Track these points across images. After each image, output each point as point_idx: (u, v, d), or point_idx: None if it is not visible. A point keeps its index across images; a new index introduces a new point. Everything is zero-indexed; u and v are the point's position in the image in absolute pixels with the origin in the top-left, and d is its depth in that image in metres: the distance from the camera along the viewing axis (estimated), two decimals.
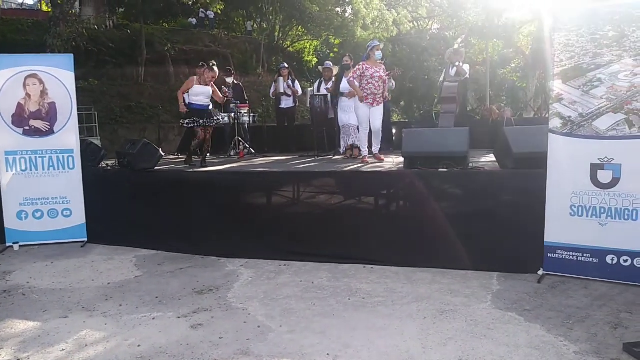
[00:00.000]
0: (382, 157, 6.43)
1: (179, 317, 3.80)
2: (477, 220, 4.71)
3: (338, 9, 25.93)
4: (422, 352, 3.08)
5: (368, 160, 6.32)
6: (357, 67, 6.35)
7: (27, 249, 6.00)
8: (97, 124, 17.18)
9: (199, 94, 6.62)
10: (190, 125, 6.71)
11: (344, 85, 6.73)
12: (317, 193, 5.41)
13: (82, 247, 6.06)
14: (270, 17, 27.23)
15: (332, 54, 26.23)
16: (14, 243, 6.02)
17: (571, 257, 4.30)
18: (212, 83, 6.81)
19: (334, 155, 7.51)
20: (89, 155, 6.39)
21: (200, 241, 5.61)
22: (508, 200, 4.70)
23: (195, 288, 4.47)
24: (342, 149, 7.38)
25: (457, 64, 6.88)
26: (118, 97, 19.76)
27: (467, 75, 7.06)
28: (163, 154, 6.48)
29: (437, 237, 4.80)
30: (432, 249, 4.79)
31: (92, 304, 4.16)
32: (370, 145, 6.54)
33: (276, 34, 29.05)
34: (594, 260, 4.19)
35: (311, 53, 32.30)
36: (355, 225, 5.11)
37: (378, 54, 6.26)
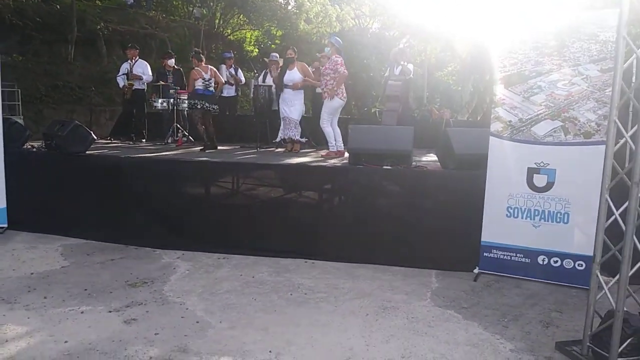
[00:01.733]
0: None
1: (110, 312, 3.59)
2: (418, 218, 4.79)
3: (281, 0, 25.72)
4: (365, 350, 3.08)
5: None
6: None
7: None
8: (20, 102, 16.02)
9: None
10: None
11: (287, 77, 6.63)
12: (258, 185, 5.30)
13: (1, 233, 5.60)
14: (211, 3, 26.53)
15: (273, 45, 25.93)
16: None
17: (505, 257, 4.46)
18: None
19: (276, 148, 7.40)
20: (13, 135, 5.89)
21: (134, 231, 5.34)
22: (449, 200, 4.79)
23: (128, 280, 4.25)
24: (278, 140, 7.30)
25: (402, 63, 6.96)
26: (44, 75, 18.52)
27: (411, 75, 7.17)
28: (95, 137, 6.09)
29: (378, 233, 4.84)
30: (373, 245, 4.82)
31: (12, 295, 3.84)
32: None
33: (217, 21, 28.37)
34: (527, 260, 4.37)
35: (252, 43, 31.84)
36: (297, 220, 5.05)
37: (326, 49, 6.26)
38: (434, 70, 23.67)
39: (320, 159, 6.15)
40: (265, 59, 7.93)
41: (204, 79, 7.05)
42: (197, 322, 3.45)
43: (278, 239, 5.02)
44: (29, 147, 6.23)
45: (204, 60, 7.35)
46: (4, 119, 5.81)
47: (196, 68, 7.24)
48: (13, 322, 3.36)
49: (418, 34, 17.80)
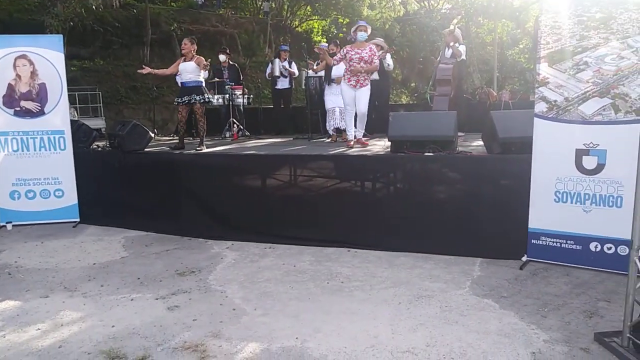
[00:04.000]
0: (366, 141, 6.27)
1: (156, 299, 3.83)
2: (462, 205, 4.67)
3: None
4: (390, 338, 3.08)
5: (352, 144, 6.20)
6: (341, 50, 6.21)
7: (20, 229, 6.07)
8: (101, 104, 17.22)
9: (183, 71, 6.37)
10: (179, 104, 6.47)
11: (334, 72, 6.62)
12: (304, 177, 5.39)
13: (73, 227, 6.12)
14: None
15: (341, 34, 25.87)
16: (6, 222, 6.10)
17: (555, 244, 4.25)
18: (194, 56, 6.38)
19: (328, 138, 7.46)
20: (81, 136, 6.41)
21: (189, 223, 5.64)
22: (494, 186, 4.64)
23: (177, 270, 4.50)
24: (330, 132, 7.30)
25: (452, 44, 6.73)
26: (123, 77, 19.77)
27: (464, 57, 6.92)
28: (153, 135, 6.46)
29: (421, 221, 4.77)
30: (415, 234, 4.76)
31: (74, 284, 4.21)
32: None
33: (284, 13, 28.78)
34: (578, 247, 4.15)
35: (320, 33, 31.99)
36: (340, 209, 5.09)
37: (361, 34, 6.03)
38: (507, 49, 22.61)
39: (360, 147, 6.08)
40: (316, 49, 7.96)
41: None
42: (234, 309, 3.60)
43: (322, 229, 5.10)
44: (95, 146, 6.72)
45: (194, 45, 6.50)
46: (72, 122, 6.34)
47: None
48: (70, 308, 3.70)
49: (483, 12, 17.04)
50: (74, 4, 15.48)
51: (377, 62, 6.10)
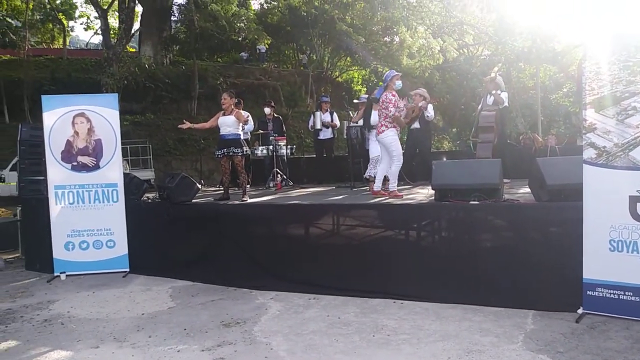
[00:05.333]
0: (384, 192, 6.11)
1: (202, 350, 3.85)
2: (511, 255, 4.53)
3: (386, 38, 26.21)
4: None
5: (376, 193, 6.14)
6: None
7: (73, 279, 6.29)
8: (151, 156, 17.99)
9: (223, 124, 6.54)
10: (218, 156, 6.64)
11: (374, 118, 6.71)
12: (347, 225, 5.40)
13: (123, 277, 6.28)
14: (319, 49, 27.85)
15: (380, 83, 26.37)
16: (61, 273, 6.34)
17: (612, 296, 4.04)
18: (232, 110, 6.52)
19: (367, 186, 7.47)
20: (132, 188, 6.67)
21: (234, 273, 5.69)
22: (544, 235, 4.50)
23: (223, 321, 4.52)
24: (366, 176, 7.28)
25: (493, 92, 6.72)
26: (172, 130, 20.66)
27: (506, 104, 6.89)
28: (200, 186, 6.64)
29: (469, 272, 4.65)
30: (463, 285, 4.64)
31: (123, 334, 4.29)
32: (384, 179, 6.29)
33: (325, 65, 29.63)
34: (637, 298, 3.92)
35: (359, 82, 32.65)
36: (385, 259, 5.04)
37: (398, 83, 6.06)
38: (550, 93, 22.36)
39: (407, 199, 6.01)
40: (356, 100, 8.10)
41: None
42: None
43: (366, 279, 5.04)
44: (146, 198, 6.97)
45: (232, 99, 6.66)
46: (124, 175, 6.63)
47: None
48: (119, 359, 3.76)
49: (524, 58, 17.01)
50: (129, 64, 16.45)
51: (391, 109, 5.98)
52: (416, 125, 6.54)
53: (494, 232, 4.76)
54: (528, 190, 5.21)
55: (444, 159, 6.70)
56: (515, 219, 4.64)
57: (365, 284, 5.00)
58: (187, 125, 6.75)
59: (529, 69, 20.71)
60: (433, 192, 5.24)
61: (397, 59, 21.60)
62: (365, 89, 28.84)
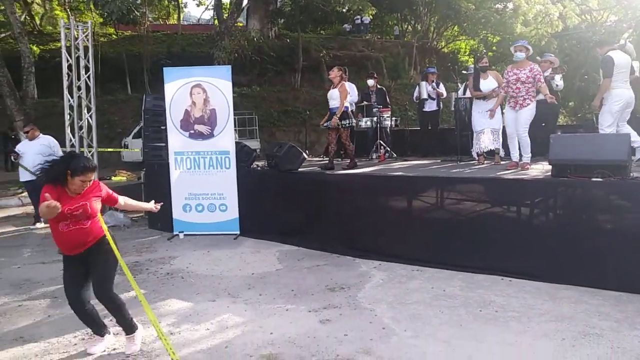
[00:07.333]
0: (528, 166, 5.88)
1: (309, 311, 4.01)
2: (636, 237, 4.17)
3: (498, 5, 24.65)
4: None
5: (514, 167, 5.88)
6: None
7: (190, 238, 6.80)
8: (257, 127, 18.70)
9: (330, 97, 6.69)
10: (325, 127, 6.80)
11: (483, 87, 6.39)
12: (454, 199, 5.26)
13: (234, 239, 6.68)
14: (425, 18, 26.93)
15: (490, 53, 24.98)
16: (179, 232, 6.87)
17: None
18: (339, 84, 6.59)
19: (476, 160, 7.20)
20: (243, 156, 7.00)
21: (338, 240, 5.82)
22: None
23: (328, 285, 4.67)
24: (475, 154, 7.00)
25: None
26: (276, 102, 21.30)
27: (637, 74, 6.22)
28: (307, 156, 6.81)
29: (587, 253, 4.36)
30: (581, 266, 4.36)
31: (236, 291, 4.59)
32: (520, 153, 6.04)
33: (430, 35, 28.64)
34: None
35: (467, 53, 31.16)
36: (494, 235, 4.86)
37: (517, 54, 5.80)
38: None
39: (519, 171, 5.73)
40: (464, 71, 7.75)
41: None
42: (383, 328, 3.63)
43: (473, 254, 4.91)
44: (255, 166, 7.29)
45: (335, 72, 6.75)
46: (235, 143, 6.97)
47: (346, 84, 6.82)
48: (234, 313, 4.04)
49: None
50: (239, 37, 17.01)
51: (542, 81, 5.75)
52: (540, 97, 6.11)
53: (617, 213, 4.39)
54: None
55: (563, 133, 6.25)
56: None
57: (471, 259, 4.88)
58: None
59: None
60: (549, 167, 4.94)
61: (510, 26, 20.20)
62: (472, 60, 27.53)
